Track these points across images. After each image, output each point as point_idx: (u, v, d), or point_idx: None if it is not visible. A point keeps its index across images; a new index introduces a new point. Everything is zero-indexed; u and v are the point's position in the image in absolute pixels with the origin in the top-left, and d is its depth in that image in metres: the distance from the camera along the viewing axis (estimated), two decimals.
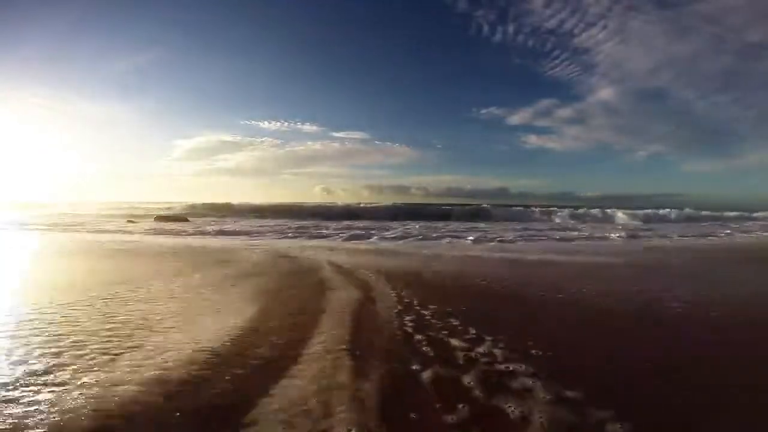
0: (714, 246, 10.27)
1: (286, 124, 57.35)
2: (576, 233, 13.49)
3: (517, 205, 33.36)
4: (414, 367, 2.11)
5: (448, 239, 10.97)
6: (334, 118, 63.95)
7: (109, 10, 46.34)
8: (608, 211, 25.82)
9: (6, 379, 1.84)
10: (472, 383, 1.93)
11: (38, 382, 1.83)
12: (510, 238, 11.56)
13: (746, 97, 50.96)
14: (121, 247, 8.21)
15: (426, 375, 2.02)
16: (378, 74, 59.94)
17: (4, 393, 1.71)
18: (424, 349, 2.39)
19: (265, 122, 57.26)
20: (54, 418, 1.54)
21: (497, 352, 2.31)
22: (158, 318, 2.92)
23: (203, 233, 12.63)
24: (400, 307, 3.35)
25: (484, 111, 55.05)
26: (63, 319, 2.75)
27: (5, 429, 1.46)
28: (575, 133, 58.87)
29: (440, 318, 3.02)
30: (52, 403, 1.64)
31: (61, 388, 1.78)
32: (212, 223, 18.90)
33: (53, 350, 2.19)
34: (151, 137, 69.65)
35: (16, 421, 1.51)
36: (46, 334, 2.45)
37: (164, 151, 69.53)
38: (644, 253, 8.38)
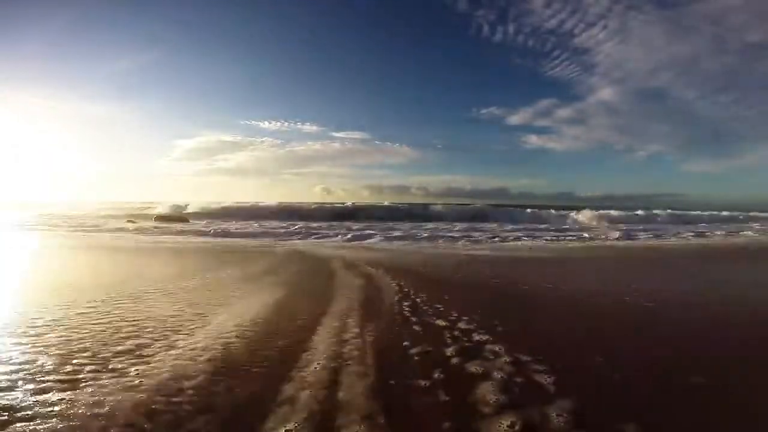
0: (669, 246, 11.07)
1: (286, 124, 56.84)
2: (551, 235, 14.26)
3: (513, 206, 33.71)
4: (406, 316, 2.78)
5: (437, 239, 11.67)
6: (334, 118, 63.21)
7: (109, 10, 46.33)
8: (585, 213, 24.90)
9: (143, 343, 2.54)
10: (452, 353, 2.58)
11: (156, 347, 2.53)
12: (486, 238, 12.36)
13: (746, 97, 50.32)
14: (142, 247, 8.79)
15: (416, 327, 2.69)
16: (378, 74, 59.28)
17: (154, 349, 2.37)
18: (414, 327, 3.04)
19: (265, 122, 56.80)
20: (187, 359, 2.21)
21: (471, 327, 2.97)
22: (209, 304, 3.62)
23: (213, 234, 13.20)
24: (400, 295, 4.08)
25: (484, 111, 54.36)
26: (124, 310, 3.37)
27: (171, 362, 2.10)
28: (575, 133, 58.04)
29: (430, 304, 3.72)
30: (183, 350, 2.32)
31: (179, 346, 2.47)
32: (215, 223, 19.40)
33: (139, 329, 2.85)
34: (151, 137, 69.15)
35: (172, 361, 2.16)
36: (123, 320, 3.07)
37: (164, 151, 68.87)
38: (598, 251, 9.14)
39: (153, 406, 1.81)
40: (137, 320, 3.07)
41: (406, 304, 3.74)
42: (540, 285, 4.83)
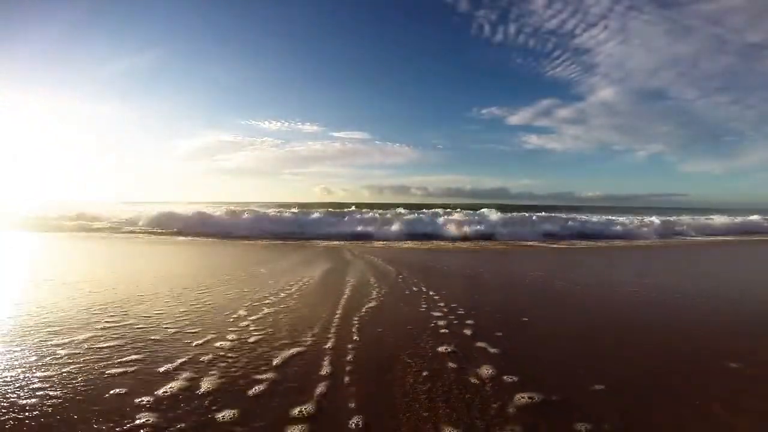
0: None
1: (286, 124, 55.64)
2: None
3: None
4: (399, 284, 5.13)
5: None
6: (334, 118, 61.74)
7: (109, 10, 45.91)
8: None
9: (270, 292, 4.74)
10: (423, 304, 4.92)
11: (280, 294, 4.74)
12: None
13: (746, 97, 49.98)
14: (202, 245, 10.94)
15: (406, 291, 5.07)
16: (378, 74, 57.66)
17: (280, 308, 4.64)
18: (402, 284, 5.46)
19: (266, 122, 55.63)
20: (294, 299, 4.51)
21: (430, 292, 5.43)
22: (284, 277, 5.80)
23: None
24: (394, 271, 6.47)
25: (484, 111, 52.57)
26: (232, 288, 5.56)
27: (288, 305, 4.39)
28: (575, 133, 56.13)
29: (410, 278, 6.16)
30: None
31: (289, 288, 4.73)
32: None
33: (259, 291, 5.10)
34: (151, 137, 67.77)
35: (292, 295, 4.46)
36: (242, 291, 5.28)
37: (165, 151, 67.21)
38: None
39: (299, 298, 4.23)
40: (250, 290, 5.34)
41: (400, 276, 6.13)
42: (460, 268, 7.69)
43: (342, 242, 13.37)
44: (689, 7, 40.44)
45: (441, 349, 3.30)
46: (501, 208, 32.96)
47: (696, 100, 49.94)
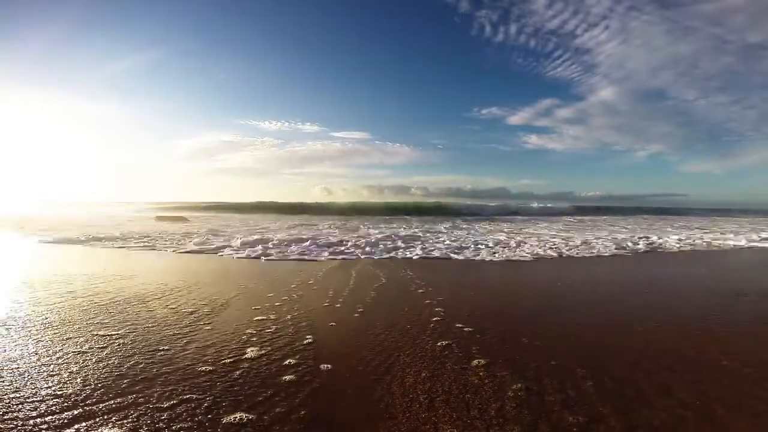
0: None
1: (286, 124, 55.28)
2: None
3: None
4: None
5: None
6: (334, 118, 61.19)
7: (109, 10, 45.85)
8: None
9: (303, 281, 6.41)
10: (415, 287, 6.16)
11: (310, 288, 6.49)
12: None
13: (746, 97, 50.45)
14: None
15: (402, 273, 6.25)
16: (378, 74, 57.47)
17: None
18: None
19: (266, 122, 55.30)
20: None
21: (417, 280, 7.00)
22: (307, 275, 7.40)
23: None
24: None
25: (484, 111, 52.47)
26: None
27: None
28: (575, 133, 55.87)
29: (399, 271, 7.67)
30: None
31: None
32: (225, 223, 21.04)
33: (287, 281, 6.73)
34: (151, 137, 67.18)
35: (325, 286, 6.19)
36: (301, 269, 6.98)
37: (165, 151, 66.75)
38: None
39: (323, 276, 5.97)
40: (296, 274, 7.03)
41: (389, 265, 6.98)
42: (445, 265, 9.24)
43: None
44: (690, 8, 40.74)
45: None
46: (503, 207, 32.81)
47: (696, 100, 50.22)
